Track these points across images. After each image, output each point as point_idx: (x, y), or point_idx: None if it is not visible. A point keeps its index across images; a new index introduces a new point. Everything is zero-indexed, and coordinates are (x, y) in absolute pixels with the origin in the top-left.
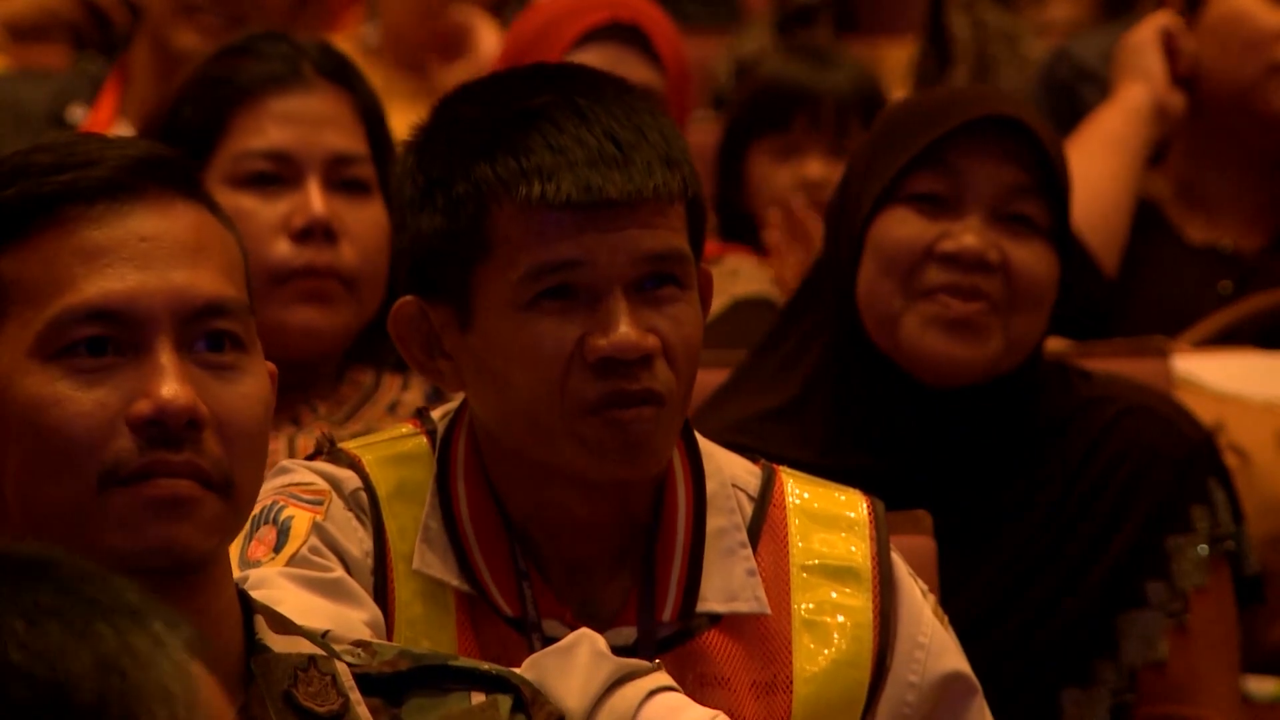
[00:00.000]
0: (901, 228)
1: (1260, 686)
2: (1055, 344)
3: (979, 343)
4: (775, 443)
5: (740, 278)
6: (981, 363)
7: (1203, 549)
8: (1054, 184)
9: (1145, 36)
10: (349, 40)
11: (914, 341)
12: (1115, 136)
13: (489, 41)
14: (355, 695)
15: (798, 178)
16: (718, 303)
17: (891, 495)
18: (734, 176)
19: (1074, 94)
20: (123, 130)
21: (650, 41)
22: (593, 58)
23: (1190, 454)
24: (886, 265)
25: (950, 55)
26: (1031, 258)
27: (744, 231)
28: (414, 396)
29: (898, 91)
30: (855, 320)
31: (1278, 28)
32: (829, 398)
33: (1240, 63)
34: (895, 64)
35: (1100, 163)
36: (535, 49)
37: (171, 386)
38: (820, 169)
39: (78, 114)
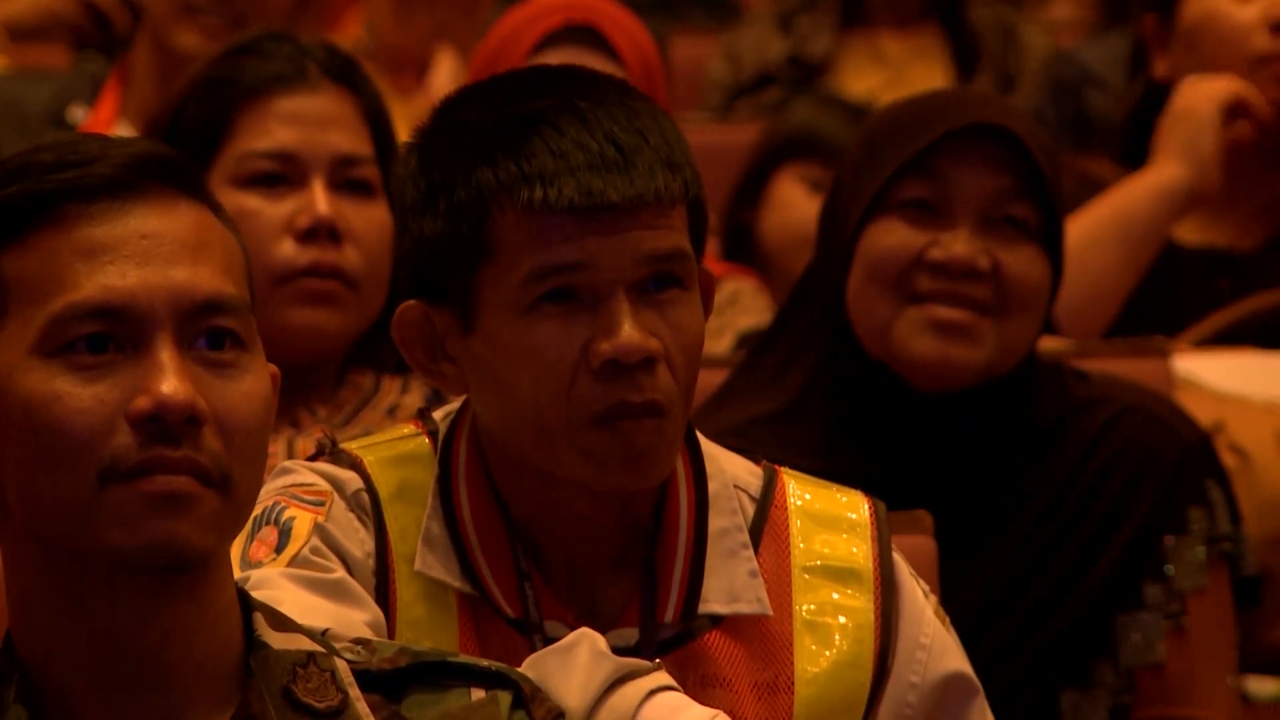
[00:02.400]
0: (890, 236)
1: (1260, 686)
2: (1054, 344)
3: (971, 346)
4: (773, 447)
5: (740, 305)
6: (974, 366)
7: (1200, 550)
8: (1043, 186)
9: (1206, 110)
10: (347, 42)
11: (906, 347)
12: (1135, 222)
13: (441, 76)
14: (355, 691)
15: None
16: (722, 340)
17: (890, 497)
18: (753, 193)
19: (1079, 97)
20: (123, 131)
21: (609, 40)
22: (552, 62)
23: (1187, 455)
24: (876, 274)
25: (975, 53)
26: (1023, 262)
27: (743, 250)
28: (414, 400)
29: (904, 85)
30: (847, 329)
31: (1250, 21)
32: (826, 402)
33: (1218, 61)
34: (897, 56)
35: (1111, 253)
36: (498, 61)
37: (171, 383)
38: None
39: (78, 114)
